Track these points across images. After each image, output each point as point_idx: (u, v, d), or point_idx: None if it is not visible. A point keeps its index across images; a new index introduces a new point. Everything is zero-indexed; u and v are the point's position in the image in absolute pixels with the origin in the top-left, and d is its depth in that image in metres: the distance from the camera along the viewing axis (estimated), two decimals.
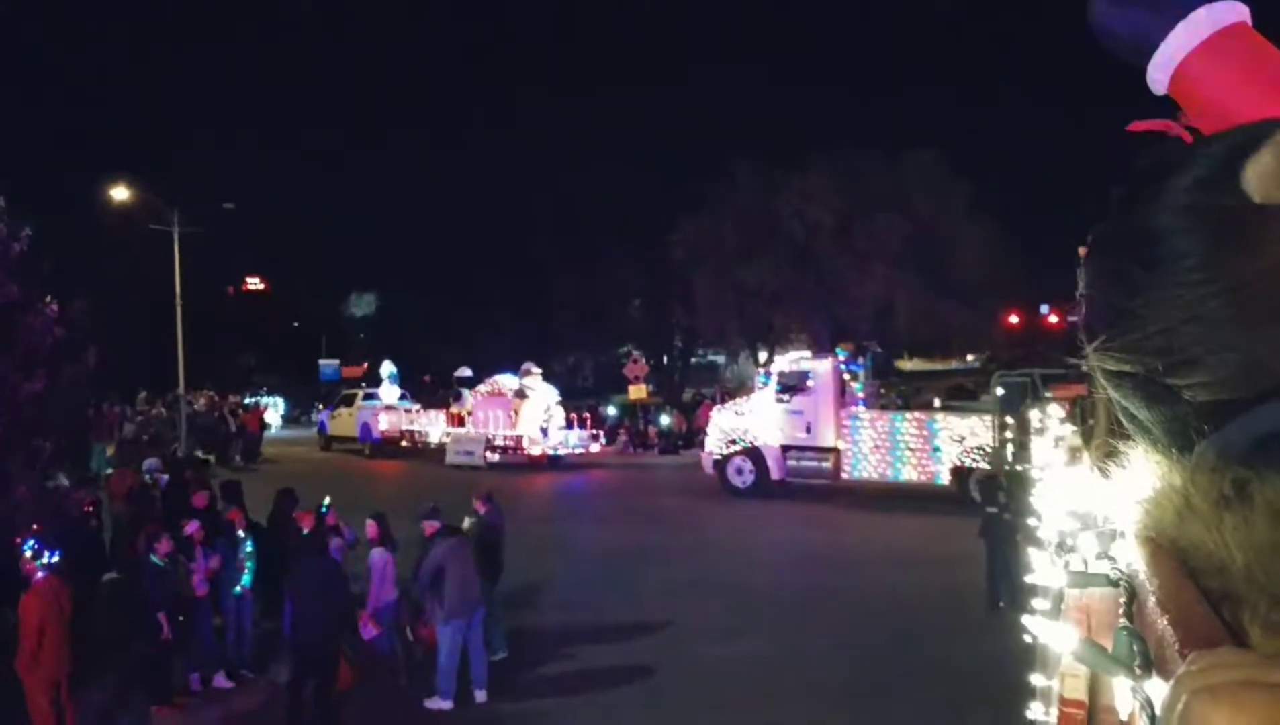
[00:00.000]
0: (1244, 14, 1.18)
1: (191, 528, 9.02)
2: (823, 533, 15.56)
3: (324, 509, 10.09)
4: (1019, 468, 13.31)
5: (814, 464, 18.39)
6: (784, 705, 7.99)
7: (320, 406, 33.54)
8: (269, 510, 10.76)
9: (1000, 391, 16.28)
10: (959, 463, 17.09)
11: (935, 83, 43.13)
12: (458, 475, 21.57)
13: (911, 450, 17.49)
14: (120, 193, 27.53)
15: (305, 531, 9.49)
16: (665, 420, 29.30)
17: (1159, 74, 1.21)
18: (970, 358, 31.87)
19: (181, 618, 8.60)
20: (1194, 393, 0.66)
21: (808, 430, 18.36)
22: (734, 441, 19.21)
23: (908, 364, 29.91)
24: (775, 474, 18.81)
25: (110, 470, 14.03)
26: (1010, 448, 14.32)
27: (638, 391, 29.30)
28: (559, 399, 25.00)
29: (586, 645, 9.72)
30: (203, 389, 32.64)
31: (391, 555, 9.44)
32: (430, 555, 8.40)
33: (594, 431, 25.78)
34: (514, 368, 25.35)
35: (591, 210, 36.37)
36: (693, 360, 43.24)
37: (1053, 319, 37.68)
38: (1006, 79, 42.24)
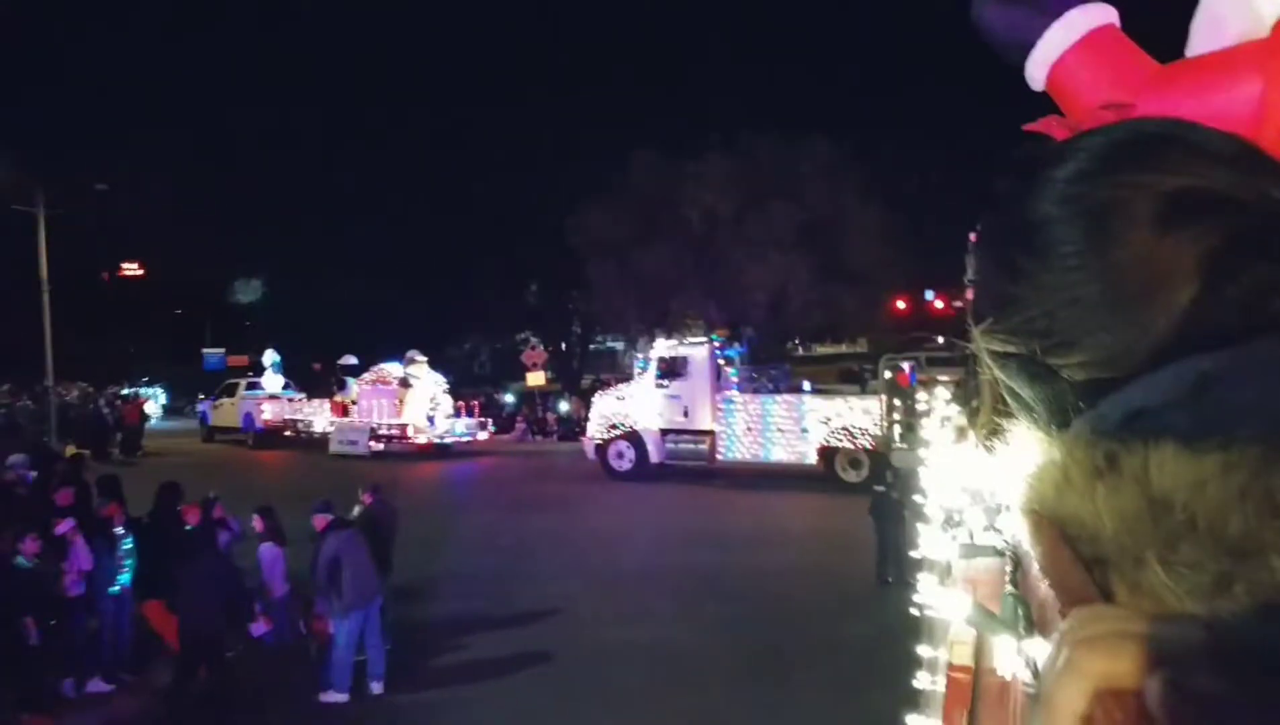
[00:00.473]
0: (1113, 16, 1.24)
1: (64, 526, 8.55)
2: (709, 514, 15.96)
3: (210, 502, 9.74)
4: (905, 448, 13.94)
5: (691, 447, 19.12)
6: (683, 686, 8.10)
7: (202, 397, 32.61)
8: (151, 505, 10.31)
9: (888, 374, 16.91)
10: (825, 443, 17.95)
11: (827, 69, 43.79)
12: (344, 465, 21.22)
13: (781, 432, 18.35)
14: None
15: (191, 526, 9.16)
16: (564, 407, 29.29)
17: (1037, 71, 1.26)
18: (845, 346, 32.88)
19: (53, 621, 8.17)
20: (1072, 372, 0.69)
21: (685, 414, 19.07)
22: (615, 426, 19.79)
23: (801, 350, 30.54)
24: (655, 457, 19.44)
25: None
26: (897, 428, 14.89)
27: (535, 378, 29.21)
28: (446, 387, 24.92)
29: (482, 634, 9.66)
30: (76, 379, 30.94)
31: (281, 549, 9.22)
32: (324, 549, 8.26)
33: (482, 419, 25.79)
34: (401, 355, 24.96)
35: (488, 194, 35.91)
36: (591, 346, 43.24)
37: (938, 304, 39.12)
38: (896, 67, 43.35)
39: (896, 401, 15.67)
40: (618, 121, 35.98)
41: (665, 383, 19.24)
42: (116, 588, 8.93)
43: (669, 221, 30.70)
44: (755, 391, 19.43)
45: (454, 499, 18.98)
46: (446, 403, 24.66)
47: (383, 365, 24.92)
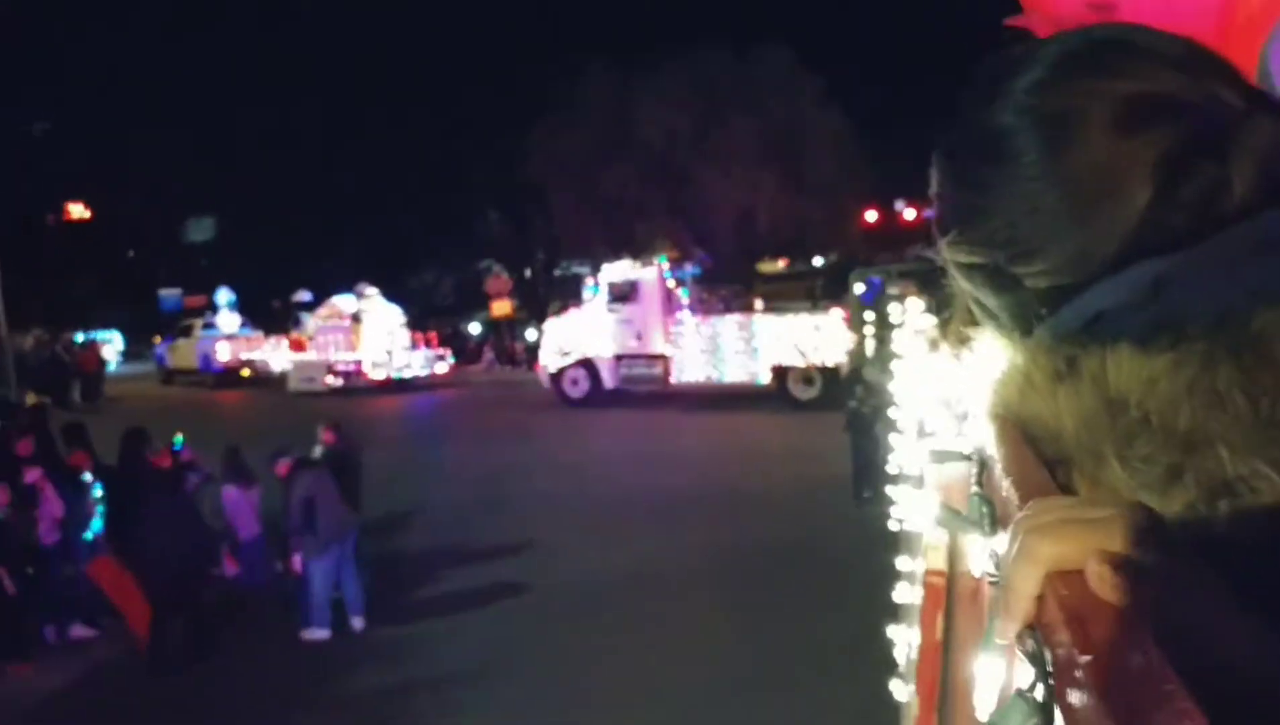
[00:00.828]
0: None
1: (32, 475, 8.48)
2: (674, 437, 16.16)
3: (177, 446, 9.66)
4: (876, 361, 14.11)
5: (645, 371, 19.12)
6: (664, 610, 8.21)
7: (158, 338, 32.03)
8: (117, 452, 10.21)
9: (859, 288, 16.90)
10: (778, 362, 17.97)
11: None
12: (304, 403, 21.02)
13: (734, 352, 18.33)
14: None
15: (160, 469, 9.12)
16: (531, 335, 29.18)
17: None
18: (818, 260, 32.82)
19: (30, 570, 8.17)
20: (1035, 280, 0.71)
21: (638, 338, 19.00)
22: (567, 353, 19.66)
23: (772, 267, 30.39)
24: (608, 383, 19.43)
25: None
26: (870, 342, 14.99)
27: (501, 307, 29.01)
28: (403, 319, 24.55)
29: (458, 567, 9.72)
30: (30, 327, 30.28)
31: (247, 490, 9.19)
32: (293, 489, 8.22)
33: (440, 352, 25.48)
34: (352, 288, 24.65)
35: (438, 118, 35.10)
36: (556, 272, 42.93)
37: (909, 215, 39.04)
38: None
39: (867, 316, 15.72)
40: (569, 36, 35.18)
41: (617, 307, 19.16)
42: (89, 534, 8.92)
43: (628, 140, 30.22)
44: (707, 313, 19.40)
45: (415, 432, 18.96)
46: (403, 336, 24.33)
47: (335, 299, 24.52)
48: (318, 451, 9.22)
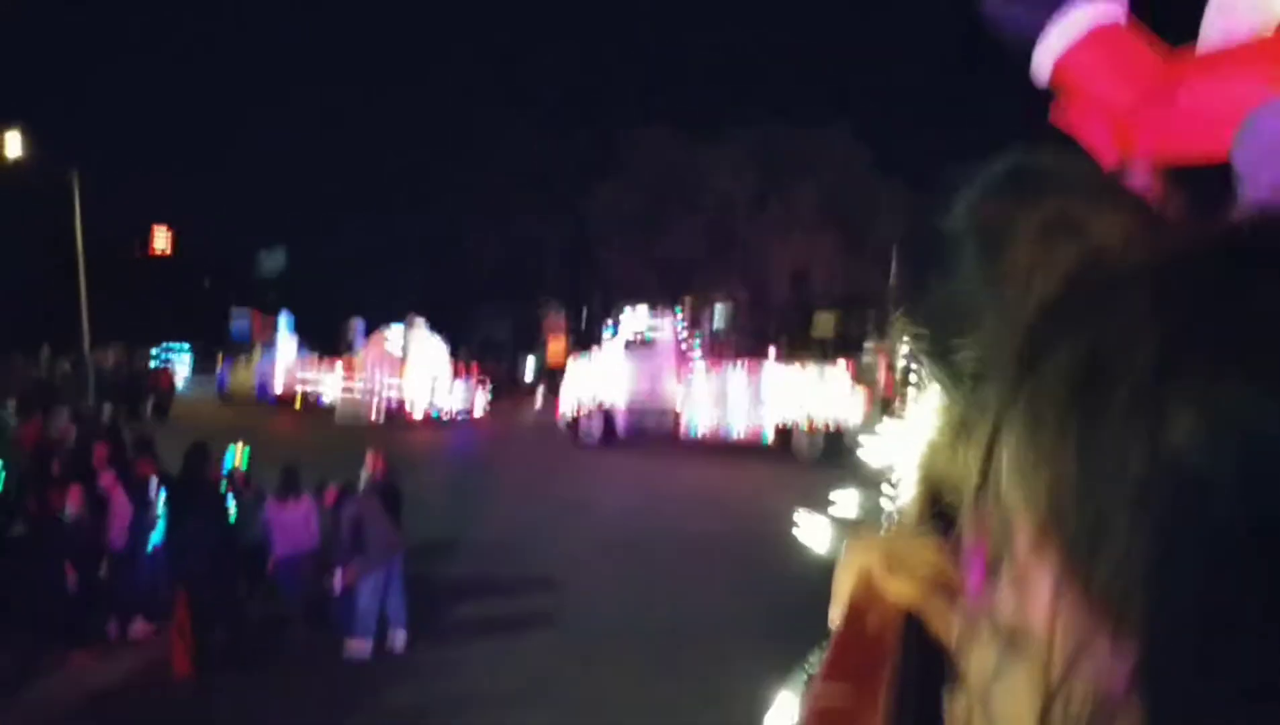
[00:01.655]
0: (1120, 14, 1.26)
1: (106, 480, 9.04)
2: (696, 485, 16.27)
3: (231, 460, 10.11)
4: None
5: (656, 421, 19.21)
6: (702, 656, 8.32)
7: (221, 358, 33.31)
8: (180, 465, 10.75)
9: (903, 351, 16.85)
10: (782, 422, 18.06)
11: (840, 56, 43.44)
12: (349, 431, 21.92)
13: (741, 406, 18.46)
14: (14, 145, 26.21)
15: (215, 484, 9.61)
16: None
17: (1041, 66, 1.28)
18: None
19: (100, 570, 8.67)
20: (963, 362, 0.78)
21: (651, 388, 19.17)
22: (584, 399, 19.96)
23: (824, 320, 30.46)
24: (621, 431, 19.62)
25: (14, 423, 13.72)
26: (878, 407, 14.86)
27: (556, 347, 29.33)
28: (446, 353, 24.98)
29: (495, 598, 10.06)
30: (109, 346, 31.61)
31: (294, 505, 9.45)
32: (344, 513, 8.69)
33: (479, 379, 25.66)
34: (436, 323, 25.19)
35: (506, 172, 36.03)
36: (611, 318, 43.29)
37: None
38: (904, 49, 43.03)
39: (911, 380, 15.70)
40: (637, 98, 36.01)
41: (632, 356, 19.45)
42: (150, 546, 9.41)
43: (687, 204, 30.47)
44: (718, 364, 19.59)
45: (452, 466, 19.23)
46: (446, 372, 24.72)
47: (385, 330, 25.09)
48: (364, 477, 9.57)
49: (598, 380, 19.86)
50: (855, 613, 0.63)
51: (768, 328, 30.20)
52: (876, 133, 30.30)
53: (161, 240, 48.20)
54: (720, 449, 18.89)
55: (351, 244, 39.24)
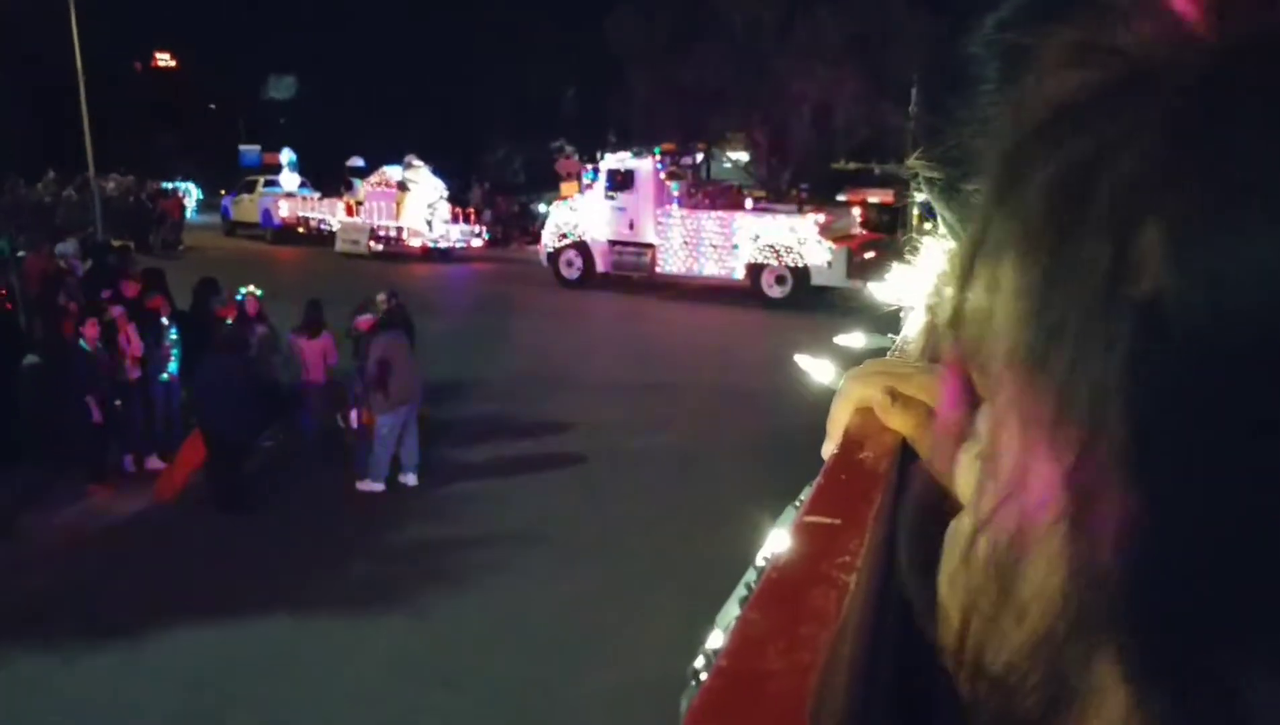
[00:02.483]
0: None
1: (116, 311, 9.00)
2: (688, 323, 16.98)
3: (241, 297, 10.03)
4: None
5: (634, 258, 19.93)
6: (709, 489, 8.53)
7: (223, 192, 33.50)
8: (190, 299, 10.72)
9: (919, 196, 16.84)
10: (753, 260, 18.71)
11: None
12: (349, 263, 22.89)
13: (714, 247, 19.13)
14: None
15: (228, 321, 9.56)
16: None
17: None
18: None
19: (118, 402, 8.74)
20: (978, 197, 0.85)
21: (631, 226, 19.78)
22: (565, 236, 20.60)
23: (843, 167, 29.79)
24: (601, 267, 20.32)
25: (21, 253, 13.61)
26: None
27: (569, 189, 28.97)
28: (445, 193, 25.45)
29: (507, 437, 10.13)
30: (113, 173, 31.19)
31: (314, 340, 9.42)
32: (373, 349, 8.62)
33: (477, 227, 26.37)
34: (425, 157, 25.21)
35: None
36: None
37: None
38: None
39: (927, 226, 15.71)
40: None
41: (614, 196, 19.83)
42: (165, 376, 9.47)
43: (710, 27, 29.43)
44: (694, 207, 19.93)
45: (444, 302, 19.07)
46: (444, 208, 25.24)
47: (385, 168, 25.42)
48: (381, 314, 9.48)
49: (579, 218, 20.39)
50: (851, 444, 0.59)
51: (784, 174, 29.56)
52: None
53: (165, 61, 46.85)
54: (694, 288, 19.64)
55: (363, 76, 37.82)
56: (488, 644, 6.13)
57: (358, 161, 27.25)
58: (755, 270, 18.77)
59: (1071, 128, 0.33)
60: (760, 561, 0.61)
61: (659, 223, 19.56)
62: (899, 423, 0.60)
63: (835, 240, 18.21)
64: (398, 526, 7.96)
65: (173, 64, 48.56)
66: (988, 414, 0.35)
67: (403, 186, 24.59)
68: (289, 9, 40.42)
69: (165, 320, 9.57)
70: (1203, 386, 0.25)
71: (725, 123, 32.45)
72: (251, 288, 10.18)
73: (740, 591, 0.57)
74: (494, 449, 9.78)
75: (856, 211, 20.80)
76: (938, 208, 0.91)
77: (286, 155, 29.67)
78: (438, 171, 25.80)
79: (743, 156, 38.03)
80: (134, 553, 7.45)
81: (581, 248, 20.43)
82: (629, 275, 20.02)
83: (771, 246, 18.46)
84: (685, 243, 19.43)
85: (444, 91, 36.68)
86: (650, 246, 19.70)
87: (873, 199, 23.45)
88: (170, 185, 35.03)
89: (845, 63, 28.29)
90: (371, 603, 6.57)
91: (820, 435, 0.67)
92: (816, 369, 1.11)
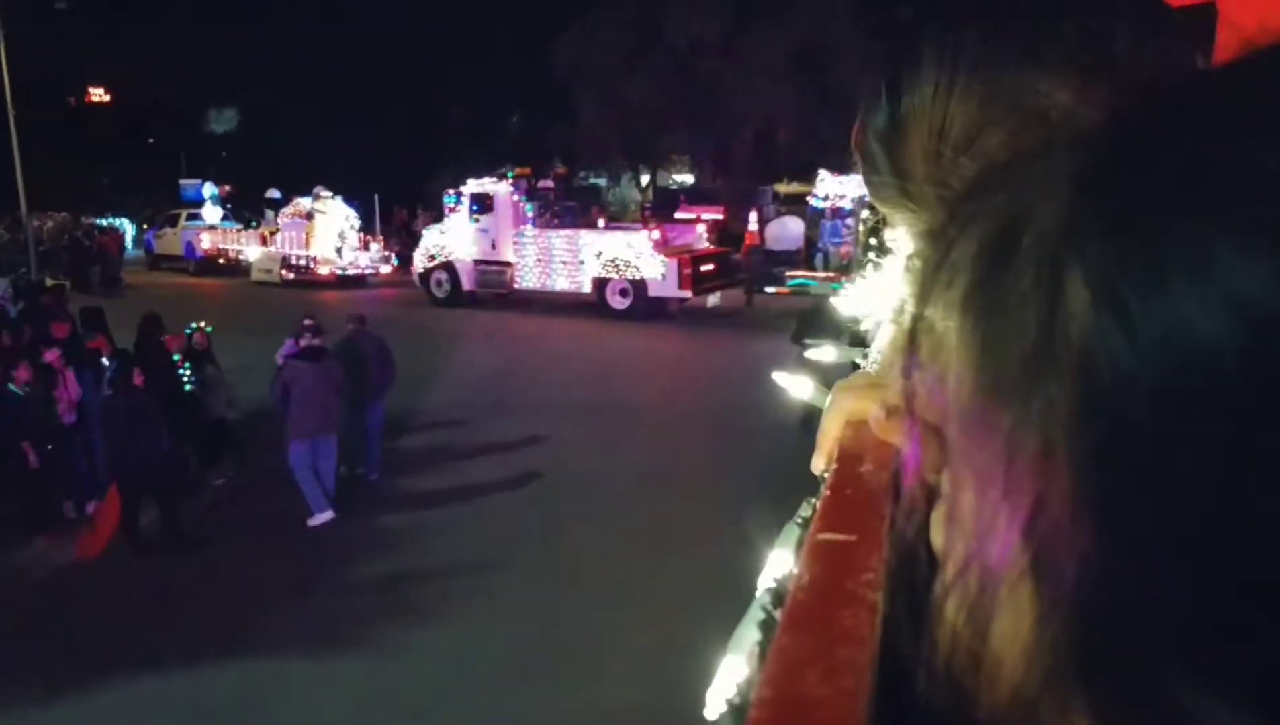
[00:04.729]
0: None
1: (51, 356, 8.73)
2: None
3: (190, 332, 9.83)
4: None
5: (496, 276, 21.30)
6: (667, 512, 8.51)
7: (145, 226, 34.38)
8: (134, 336, 10.45)
9: (865, 214, 17.21)
10: (598, 275, 19.89)
11: None
12: (264, 292, 23.85)
13: (564, 263, 20.47)
14: None
15: (169, 355, 9.36)
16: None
17: None
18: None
19: (50, 447, 8.47)
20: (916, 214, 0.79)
21: (493, 246, 21.17)
22: (434, 257, 21.94)
23: (786, 187, 30.19)
24: (467, 285, 21.60)
25: None
26: (871, 269, 15.32)
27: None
28: (356, 222, 26.58)
29: (454, 464, 10.00)
30: (50, 209, 30.55)
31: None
32: (275, 377, 8.54)
33: (386, 253, 27.29)
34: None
35: (476, 19, 34.40)
36: (574, 182, 42.57)
37: None
38: None
39: (873, 241, 15.98)
40: None
41: (477, 218, 21.12)
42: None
43: (654, 47, 29.75)
44: (545, 227, 21.23)
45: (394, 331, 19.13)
46: (353, 237, 26.41)
47: (298, 200, 26.48)
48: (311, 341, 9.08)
49: (446, 240, 21.72)
50: (848, 458, 0.59)
51: (731, 188, 29.84)
52: None
53: (100, 96, 46.00)
54: (548, 302, 21.05)
55: (305, 107, 37.40)
56: (454, 674, 6.00)
57: (274, 193, 28.37)
58: (600, 284, 19.95)
59: (993, 188, 0.34)
60: (769, 582, 0.60)
61: (515, 242, 20.90)
62: (898, 437, 0.58)
63: (671, 255, 19.37)
64: (352, 560, 7.77)
65: (107, 99, 47.66)
66: (947, 474, 0.35)
67: (310, 216, 25.67)
68: (230, 42, 39.89)
69: (106, 361, 9.31)
70: (1144, 430, 0.26)
71: (671, 143, 32.75)
72: (201, 323, 9.99)
73: (757, 614, 0.55)
74: (443, 477, 9.62)
75: (702, 228, 22.04)
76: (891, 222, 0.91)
77: (209, 189, 31.11)
78: (408, 199, 26.00)
79: (688, 178, 38.40)
80: (73, 602, 7.16)
81: (449, 268, 21.68)
82: (493, 292, 21.34)
83: (613, 261, 19.72)
84: (539, 260, 20.76)
85: (390, 120, 36.47)
86: (509, 265, 21.03)
87: (706, 216, 24.95)
88: (106, 221, 34.47)
89: (787, 82, 28.76)
90: (330, 640, 6.39)
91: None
92: (794, 385, 1.10)
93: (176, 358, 9.51)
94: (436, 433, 11.17)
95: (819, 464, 0.65)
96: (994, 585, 0.31)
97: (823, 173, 23.44)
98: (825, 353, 1.97)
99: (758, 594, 0.58)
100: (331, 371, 8.68)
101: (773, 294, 20.69)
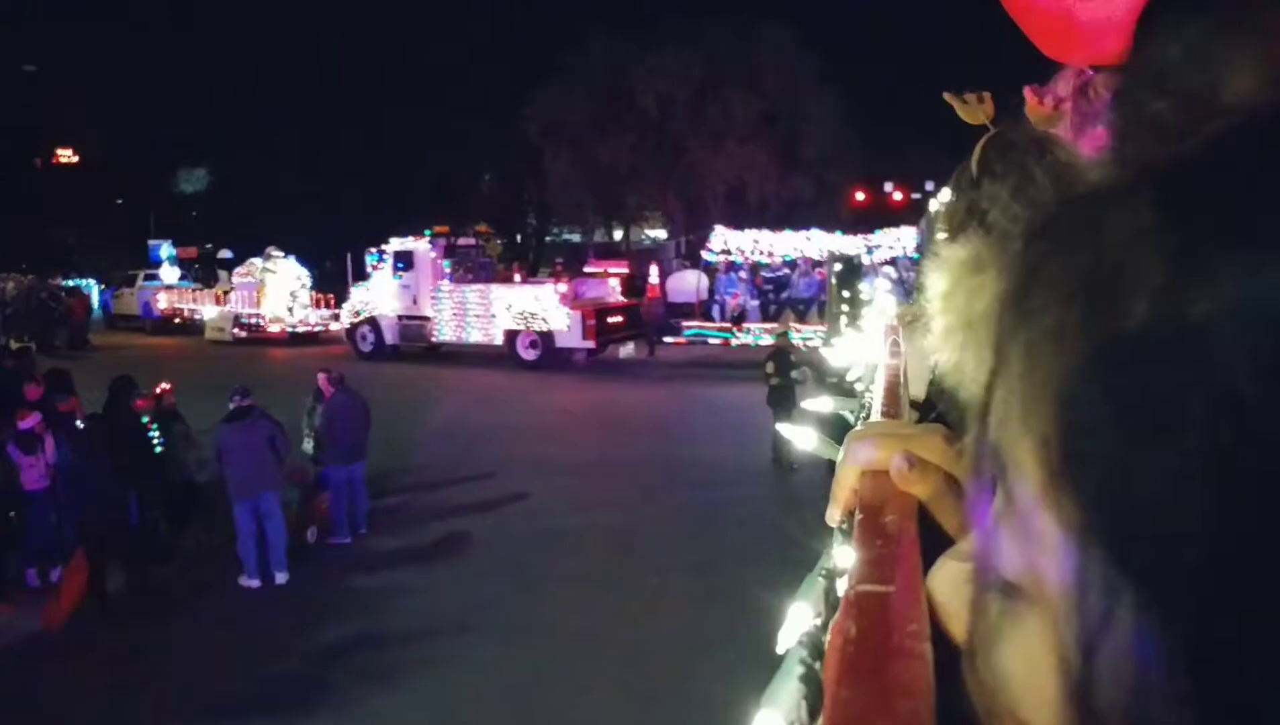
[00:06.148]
0: None
1: (31, 421, 8.57)
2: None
3: (159, 393, 9.72)
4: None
5: (417, 329, 22.08)
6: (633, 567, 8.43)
7: (102, 287, 34.93)
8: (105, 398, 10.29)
9: (838, 267, 17.51)
10: (509, 327, 20.77)
11: None
12: (218, 351, 24.34)
13: (477, 316, 21.35)
14: None
15: (136, 417, 9.22)
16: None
17: None
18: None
19: (12, 513, 8.27)
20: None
21: (414, 301, 22.01)
22: (359, 313, 22.74)
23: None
24: (390, 339, 22.35)
25: None
26: (844, 320, 15.28)
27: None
28: (307, 282, 27.24)
29: (420, 522, 9.95)
30: (14, 271, 30.23)
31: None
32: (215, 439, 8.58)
33: (335, 311, 27.51)
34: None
35: (446, 82, 34.83)
36: (547, 238, 42.92)
37: (897, 196, 38.88)
38: None
39: (845, 293, 16.02)
40: (574, 4, 34.82)
41: (400, 275, 21.98)
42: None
43: (626, 110, 30.28)
44: (460, 282, 22.19)
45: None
46: (305, 295, 27.02)
47: (252, 260, 27.02)
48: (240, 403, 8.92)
49: (371, 297, 22.49)
50: (870, 508, 0.58)
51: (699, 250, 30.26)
52: (822, 42, 29.80)
53: (68, 157, 45.85)
54: (462, 354, 21.91)
55: (275, 169, 37.47)
56: None
57: (226, 254, 29.65)
58: (511, 336, 20.74)
59: (1068, 235, 0.30)
60: (796, 636, 0.60)
61: (433, 297, 21.74)
62: (920, 489, 0.58)
63: (578, 308, 20.15)
64: (322, 623, 7.59)
65: (75, 160, 47.51)
66: (1014, 541, 0.31)
67: (262, 276, 26.23)
68: (200, 103, 40.08)
69: (80, 423, 9.14)
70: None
71: (642, 200, 33.17)
72: (165, 384, 9.88)
73: (796, 669, 0.55)
74: (410, 536, 9.51)
75: (615, 282, 22.82)
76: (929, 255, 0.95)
77: (166, 249, 31.74)
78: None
79: (661, 233, 38.81)
80: (32, 672, 6.95)
81: (373, 323, 22.42)
82: (413, 345, 22.05)
83: (522, 314, 20.51)
84: (454, 314, 21.59)
85: (365, 179, 36.64)
86: (428, 319, 21.84)
87: (613, 270, 25.89)
88: (73, 283, 34.19)
89: (756, 140, 29.32)
90: (302, 706, 6.23)
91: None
92: (799, 437, 1.12)
93: (145, 419, 9.37)
94: (402, 492, 11.06)
95: (834, 516, 0.65)
96: (1032, 643, 0.29)
97: (718, 227, 24.48)
98: (821, 403, 1.99)
99: (789, 647, 0.58)
100: (260, 429, 8.49)
101: (670, 344, 21.76)
